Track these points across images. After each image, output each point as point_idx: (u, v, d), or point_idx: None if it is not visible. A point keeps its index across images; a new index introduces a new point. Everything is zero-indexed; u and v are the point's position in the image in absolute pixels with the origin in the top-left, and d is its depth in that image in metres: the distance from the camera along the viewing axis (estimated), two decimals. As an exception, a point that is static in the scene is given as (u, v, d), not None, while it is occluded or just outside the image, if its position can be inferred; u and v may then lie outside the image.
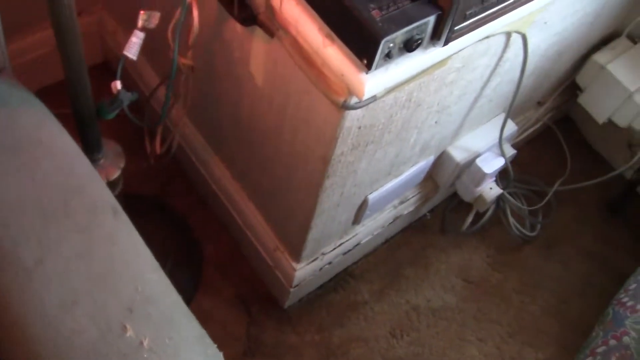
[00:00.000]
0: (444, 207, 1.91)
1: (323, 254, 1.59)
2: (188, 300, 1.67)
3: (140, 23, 1.12)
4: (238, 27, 1.23)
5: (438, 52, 1.05)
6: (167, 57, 1.19)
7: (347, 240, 1.63)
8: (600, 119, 1.83)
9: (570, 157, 2.01)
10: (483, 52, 1.28)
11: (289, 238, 1.54)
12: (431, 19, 0.98)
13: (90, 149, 1.22)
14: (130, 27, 1.12)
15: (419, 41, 0.99)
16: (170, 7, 1.15)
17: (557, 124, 2.06)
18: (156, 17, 1.11)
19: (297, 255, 1.53)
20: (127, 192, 1.63)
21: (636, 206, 2.02)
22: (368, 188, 1.46)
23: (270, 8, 1.07)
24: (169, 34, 1.15)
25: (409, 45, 0.99)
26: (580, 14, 1.50)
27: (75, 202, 0.97)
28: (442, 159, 1.63)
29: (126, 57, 1.12)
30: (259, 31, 1.13)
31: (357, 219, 1.56)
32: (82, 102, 1.11)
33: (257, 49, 1.21)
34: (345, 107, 1.06)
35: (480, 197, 1.68)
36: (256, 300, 1.70)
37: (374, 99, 1.06)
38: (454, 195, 1.87)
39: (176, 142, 1.44)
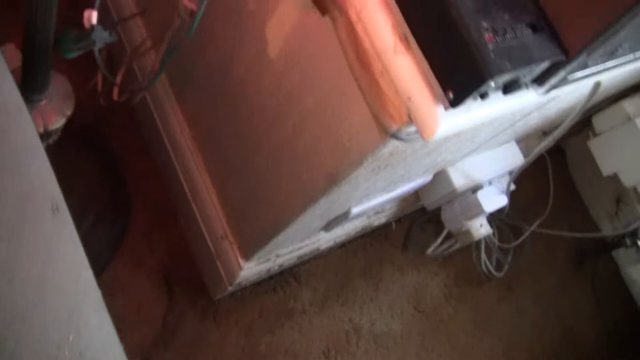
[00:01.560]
0: (411, 220, 1.69)
1: (277, 255, 1.34)
2: (103, 264, 1.38)
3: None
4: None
5: (532, 98, 0.80)
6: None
7: (307, 245, 1.38)
8: (606, 171, 1.63)
9: (553, 194, 1.81)
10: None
11: (244, 232, 1.27)
12: (547, 63, 0.72)
13: (32, 87, 0.90)
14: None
15: (523, 84, 0.74)
16: None
17: (550, 153, 1.86)
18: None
19: (248, 253, 1.27)
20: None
21: (606, 269, 1.87)
22: (356, 201, 1.21)
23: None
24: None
25: (509, 88, 0.73)
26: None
27: None
28: (437, 178, 1.40)
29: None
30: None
31: (328, 227, 1.31)
32: (40, 30, 0.79)
33: (286, 12, 0.92)
34: (395, 137, 0.79)
35: (466, 232, 1.46)
36: (182, 281, 1.43)
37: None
38: (426, 210, 1.64)
39: (139, 96, 1.13)
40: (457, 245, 1.58)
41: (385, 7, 0.74)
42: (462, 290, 1.69)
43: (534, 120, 1.29)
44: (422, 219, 1.66)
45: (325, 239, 1.41)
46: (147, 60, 1.27)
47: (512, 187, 1.51)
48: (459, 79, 0.70)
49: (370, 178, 1.01)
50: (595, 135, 1.64)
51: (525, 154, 1.71)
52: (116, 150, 1.46)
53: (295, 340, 1.48)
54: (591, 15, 0.69)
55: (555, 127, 1.70)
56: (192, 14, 0.95)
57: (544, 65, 0.73)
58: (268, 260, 1.33)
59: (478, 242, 1.64)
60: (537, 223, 1.74)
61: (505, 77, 0.70)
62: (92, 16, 0.82)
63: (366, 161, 0.87)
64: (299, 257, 1.40)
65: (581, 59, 0.73)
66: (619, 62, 0.82)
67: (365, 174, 0.95)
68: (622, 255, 1.86)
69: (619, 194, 1.79)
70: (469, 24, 0.68)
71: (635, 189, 1.62)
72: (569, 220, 1.85)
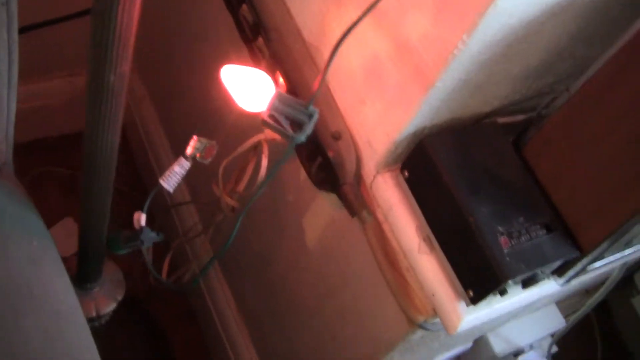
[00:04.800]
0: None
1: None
2: None
3: (189, 150, 0.88)
4: (303, 174, 1.00)
5: (552, 287, 0.83)
6: (207, 187, 0.96)
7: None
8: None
9: (601, 355, 1.79)
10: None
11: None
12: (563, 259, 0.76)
13: (86, 278, 0.98)
14: (161, 100, 0.88)
15: (541, 279, 0.77)
16: (228, 135, 0.91)
17: (595, 312, 1.84)
18: (213, 149, 0.88)
19: None
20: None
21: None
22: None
23: (357, 179, 0.85)
24: (220, 171, 0.92)
25: (528, 284, 0.77)
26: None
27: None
28: (478, 344, 1.40)
29: (161, 188, 0.89)
30: (332, 197, 0.90)
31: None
32: (93, 235, 0.87)
33: (321, 207, 0.99)
34: (423, 327, 0.83)
35: (509, 399, 1.45)
36: None
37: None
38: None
39: (187, 277, 1.19)
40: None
41: (409, 210, 0.80)
42: None
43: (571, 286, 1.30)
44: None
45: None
46: (198, 242, 1.33)
47: (555, 349, 1.50)
48: (477, 280, 0.74)
49: (404, 356, 1.04)
50: (638, 293, 1.63)
51: (567, 312, 1.71)
52: (163, 319, 1.51)
53: None
54: (602, 217, 0.73)
55: (599, 284, 1.71)
56: (234, 209, 1.02)
57: (560, 261, 0.77)
58: None
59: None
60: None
61: (522, 276, 0.74)
62: (142, 219, 0.90)
63: (397, 347, 0.91)
64: None
65: (595, 255, 0.76)
66: (636, 249, 0.85)
67: (399, 357, 0.98)
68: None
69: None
70: (485, 229, 0.72)
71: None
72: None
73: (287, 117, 0.67)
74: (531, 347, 1.41)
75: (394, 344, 0.90)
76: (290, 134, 0.66)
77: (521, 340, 1.40)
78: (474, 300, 0.74)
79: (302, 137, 0.67)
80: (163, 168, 1.49)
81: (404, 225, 0.80)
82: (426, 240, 0.79)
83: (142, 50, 1.31)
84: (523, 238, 0.74)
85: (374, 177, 0.82)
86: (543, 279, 0.78)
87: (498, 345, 1.37)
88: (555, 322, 1.43)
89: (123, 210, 1.36)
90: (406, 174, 0.81)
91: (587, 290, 1.69)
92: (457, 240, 0.75)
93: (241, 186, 0.95)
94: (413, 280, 0.81)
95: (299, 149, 0.90)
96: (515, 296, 0.80)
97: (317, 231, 1.01)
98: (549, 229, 0.76)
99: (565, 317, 1.70)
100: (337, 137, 0.84)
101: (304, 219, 1.03)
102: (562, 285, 0.81)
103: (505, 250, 0.72)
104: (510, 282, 0.73)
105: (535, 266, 0.73)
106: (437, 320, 0.81)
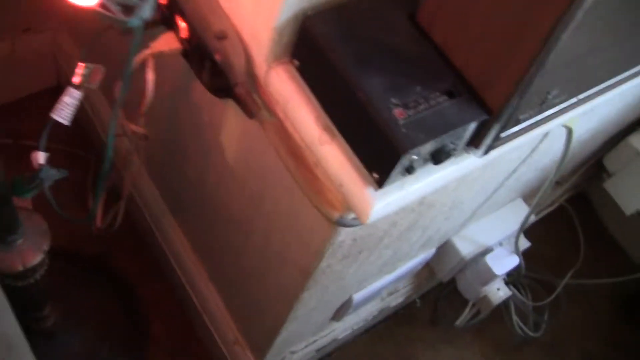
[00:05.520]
0: (436, 294, 1.64)
1: (292, 352, 1.31)
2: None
3: (77, 79, 0.83)
4: (209, 89, 0.94)
5: (473, 162, 0.78)
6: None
7: (322, 337, 1.35)
8: (629, 210, 1.57)
9: (584, 243, 1.75)
10: (516, 147, 1.01)
11: (252, 334, 1.25)
12: (473, 125, 0.71)
13: (5, 230, 0.93)
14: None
15: (453, 151, 0.72)
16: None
17: (572, 203, 1.80)
18: (99, 73, 0.83)
19: (260, 355, 1.25)
20: (65, 249, 1.35)
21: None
22: (354, 288, 1.18)
23: (252, 79, 0.79)
24: (117, 97, 0.86)
25: (438, 157, 0.71)
26: (629, 98, 1.24)
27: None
28: (444, 249, 1.36)
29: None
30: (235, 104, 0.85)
31: (337, 316, 1.28)
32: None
33: (231, 119, 0.93)
34: (341, 224, 0.78)
35: (484, 298, 1.41)
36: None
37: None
38: (450, 281, 1.60)
39: (121, 216, 1.14)
40: (483, 314, 1.52)
41: (306, 101, 0.74)
42: (502, 357, 1.62)
43: (527, 175, 1.26)
44: (446, 291, 1.61)
45: (341, 328, 1.38)
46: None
47: (527, 244, 1.46)
48: (378, 160, 0.69)
49: (350, 265, 0.99)
50: (609, 176, 1.59)
51: (541, 207, 1.66)
52: (128, 273, 1.47)
53: None
54: (503, 71, 0.68)
55: (571, 174, 1.66)
56: (146, 137, 0.97)
57: (471, 127, 0.71)
58: (283, 359, 1.30)
59: (507, 305, 1.58)
60: (569, 275, 1.68)
61: (427, 148, 0.68)
62: (39, 157, 0.85)
63: (328, 251, 0.86)
64: (318, 350, 1.37)
65: (507, 114, 0.71)
66: (556, 110, 0.80)
67: (338, 263, 0.94)
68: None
69: (652, 231, 1.72)
70: (376, 103, 0.67)
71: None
72: (607, 266, 1.77)
73: (119, 4, 0.61)
74: (500, 244, 1.36)
75: (322, 249, 0.85)
76: (122, 19, 0.60)
77: (488, 240, 1.36)
78: (380, 182, 0.69)
79: (136, 21, 0.61)
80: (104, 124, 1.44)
81: (303, 117, 0.75)
82: (327, 129, 0.73)
83: None
84: (421, 107, 0.68)
85: (266, 72, 0.76)
86: (455, 151, 0.73)
87: (464, 247, 1.34)
88: (523, 216, 1.38)
89: (78, 175, 1.32)
90: (296, 62, 0.75)
91: (558, 182, 1.65)
92: (353, 121, 0.70)
93: (143, 107, 0.90)
94: (323, 175, 0.76)
95: (190, 59, 0.85)
96: (430, 175, 0.75)
97: (233, 145, 0.96)
98: (451, 95, 0.70)
99: (539, 212, 1.66)
100: (221, 36, 0.78)
101: (221, 136, 0.98)
102: (481, 156, 0.76)
103: (401, 122, 0.66)
104: (414, 157, 0.68)
105: (437, 134, 0.67)
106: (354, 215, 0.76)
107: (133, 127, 0.92)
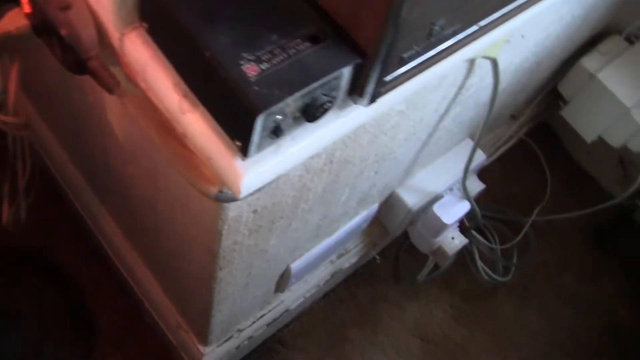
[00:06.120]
0: (396, 248, 1.56)
1: (239, 330, 1.24)
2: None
3: None
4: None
5: (362, 113, 0.68)
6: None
7: (270, 310, 1.28)
8: (589, 137, 1.48)
9: (550, 176, 1.66)
10: (436, 85, 0.92)
11: (190, 318, 1.18)
12: (346, 71, 0.61)
13: None
14: None
15: (328, 104, 0.63)
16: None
17: (534, 136, 1.71)
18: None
19: (202, 338, 1.18)
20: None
21: (629, 236, 1.69)
22: (288, 257, 1.10)
23: (110, 50, 0.70)
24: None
25: (311, 114, 0.62)
26: (568, 19, 1.14)
27: None
28: (390, 202, 1.28)
29: None
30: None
31: (279, 287, 1.20)
32: None
33: (110, 97, 0.84)
34: (222, 199, 0.69)
35: (439, 250, 1.33)
36: (163, 382, 1.34)
37: (269, 183, 0.69)
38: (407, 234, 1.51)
39: (24, 212, 1.06)
40: (443, 266, 1.45)
41: (162, 67, 0.65)
42: (472, 306, 1.55)
43: (466, 114, 1.17)
44: (406, 245, 1.53)
45: (291, 299, 1.30)
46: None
47: (480, 186, 1.38)
48: (236, 124, 0.60)
49: (267, 237, 0.91)
50: (566, 103, 1.49)
51: (498, 144, 1.58)
52: (67, 267, 1.39)
53: (298, 410, 1.37)
54: (371, 3, 0.58)
55: (526, 105, 1.57)
56: (27, 126, 0.88)
57: (346, 74, 0.62)
58: (230, 338, 1.23)
59: (470, 252, 1.50)
60: (536, 211, 1.59)
61: (292, 105, 0.59)
62: None
63: (224, 229, 0.77)
64: (269, 324, 1.29)
65: (383, 54, 0.61)
66: (452, 43, 0.70)
67: (248, 238, 0.85)
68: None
69: (619, 154, 1.63)
70: (224, 61, 0.57)
71: (626, 147, 1.46)
72: (576, 198, 1.69)
73: None
74: (451, 190, 1.28)
75: (217, 227, 0.77)
76: None
77: (436, 187, 1.27)
78: (244, 150, 0.60)
79: None
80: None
81: (161, 85, 0.65)
82: (187, 96, 0.64)
83: None
84: (278, 59, 0.59)
85: (120, 40, 0.67)
86: (333, 104, 0.63)
87: (411, 198, 1.25)
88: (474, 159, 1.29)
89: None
90: (145, 25, 0.65)
91: (513, 115, 1.56)
92: (206, 84, 0.61)
93: (9, 99, 0.80)
94: (194, 148, 0.67)
95: (41, 36, 0.75)
96: (310, 134, 0.65)
97: (118, 123, 0.87)
98: (315, 40, 0.61)
99: (497, 149, 1.57)
100: (64, 6, 0.68)
101: (107, 115, 0.89)
102: (368, 105, 0.66)
103: (253, 79, 0.57)
104: (278, 117, 0.59)
105: (298, 87, 0.58)
106: (238, 186, 0.67)
107: (3, 117, 0.82)
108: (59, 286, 1.38)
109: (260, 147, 0.61)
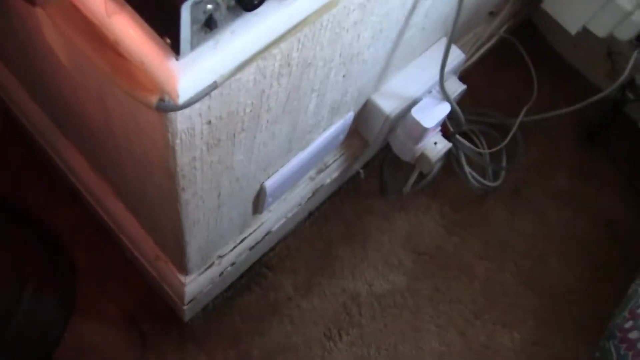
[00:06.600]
0: (380, 160, 1.51)
1: (220, 256, 1.20)
2: (61, 330, 1.27)
3: None
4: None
5: (307, 1, 0.62)
6: None
7: (251, 233, 1.23)
8: (573, 28, 1.40)
9: (536, 73, 1.59)
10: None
11: (168, 248, 1.13)
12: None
13: None
14: None
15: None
16: None
17: (516, 33, 1.63)
18: None
19: (182, 267, 1.13)
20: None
21: (621, 130, 1.63)
22: (261, 175, 1.05)
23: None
24: None
25: (246, 1, 0.56)
26: None
27: None
28: (366, 110, 1.22)
29: None
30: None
31: (257, 208, 1.15)
32: None
33: (40, 15, 0.77)
34: (164, 108, 0.63)
35: (422, 156, 1.27)
36: (149, 316, 1.31)
37: (212, 86, 0.63)
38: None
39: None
40: (431, 175, 1.39)
41: (79, -39, 0.58)
42: (463, 214, 1.50)
43: (439, 8, 1.09)
44: (389, 156, 1.48)
45: (272, 220, 1.25)
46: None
47: (461, 87, 1.31)
48: (162, 18, 0.53)
49: (231, 153, 0.85)
50: (545, -4, 1.41)
51: (478, 44, 1.51)
52: (38, 209, 1.34)
53: (289, 332, 1.34)
54: None
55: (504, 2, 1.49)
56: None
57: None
58: (212, 265, 1.18)
59: (457, 158, 1.44)
60: (523, 111, 1.53)
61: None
62: None
63: (177, 144, 0.72)
64: (252, 248, 1.25)
65: None
66: None
67: (208, 154, 0.80)
68: (635, 110, 1.63)
69: (607, 44, 1.56)
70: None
71: (612, 37, 1.38)
72: (564, 96, 1.63)
73: None
74: (430, 92, 1.22)
75: (167, 143, 0.71)
76: None
77: (413, 90, 1.21)
78: (175, 47, 0.54)
79: None
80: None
81: (82, -16, 0.59)
82: (110, -5, 0.57)
83: None
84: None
85: None
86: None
87: (387, 104, 1.20)
88: (451, 58, 1.23)
89: None
90: None
91: (492, 12, 1.48)
92: (124, -25, 0.54)
93: None
94: (127, 54, 0.61)
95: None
96: (251, 28, 0.59)
97: (58, 43, 0.80)
98: None
99: (478, 49, 1.51)
100: None
101: (47, 38, 0.82)
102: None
103: (172, -38, 0.50)
104: (209, 6, 0.53)
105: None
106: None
107: None
108: (32, 230, 1.34)
109: (194, 44, 0.55)
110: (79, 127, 1.08)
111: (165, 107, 0.62)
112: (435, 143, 1.27)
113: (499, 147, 1.49)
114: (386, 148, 1.44)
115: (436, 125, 1.21)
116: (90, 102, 0.88)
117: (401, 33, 1.04)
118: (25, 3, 0.66)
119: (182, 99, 0.58)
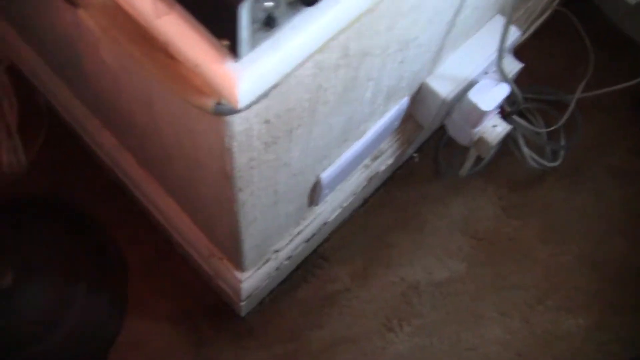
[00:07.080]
0: (435, 143, 1.46)
1: (276, 251, 1.17)
2: (115, 331, 1.27)
3: None
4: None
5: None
6: None
7: (307, 226, 1.20)
8: (631, -2, 1.34)
9: (593, 48, 1.53)
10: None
11: (223, 245, 1.11)
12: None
13: None
14: None
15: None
16: None
17: (570, 5, 1.56)
18: None
19: (239, 264, 1.11)
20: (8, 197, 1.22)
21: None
22: (317, 168, 1.01)
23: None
24: None
25: (307, -4, 0.52)
26: None
27: None
28: (421, 95, 1.17)
29: None
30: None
31: (313, 201, 1.12)
32: None
33: (85, 15, 0.74)
34: (221, 112, 0.60)
35: (480, 140, 1.23)
36: (204, 312, 1.29)
37: (273, 87, 0.60)
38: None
39: (21, 153, 0.98)
40: (487, 157, 1.34)
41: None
42: (521, 196, 1.45)
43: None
44: (445, 139, 1.43)
45: (328, 210, 1.22)
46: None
47: (518, 66, 1.26)
48: (220, 19, 0.50)
49: (288, 149, 0.82)
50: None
51: (531, 18, 1.45)
52: (83, 206, 1.33)
53: (349, 324, 1.31)
54: None
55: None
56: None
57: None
58: (268, 260, 1.16)
59: (514, 139, 1.39)
60: (581, 87, 1.47)
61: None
62: None
63: (235, 146, 0.68)
64: (307, 241, 1.22)
65: None
66: None
67: (265, 153, 0.76)
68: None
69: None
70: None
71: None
72: (622, 70, 1.55)
73: None
74: (486, 73, 1.17)
75: (226, 146, 0.68)
76: None
77: (469, 72, 1.16)
78: (233, 49, 0.51)
79: None
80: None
81: (131, -15, 0.55)
82: (160, -5, 0.54)
83: None
84: None
85: None
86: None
87: (442, 87, 1.15)
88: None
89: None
90: None
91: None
92: (178, -25, 0.51)
93: None
94: (179, 57, 0.58)
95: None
96: (312, 22, 0.55)
97: (101, 45, 0.77)
98: None
99: (531, 24, 1.45)
100: None
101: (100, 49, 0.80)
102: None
103: (229, -40, 0.47)
104: (267, 4, 0.49)
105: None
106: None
107: None
108: (81, 227, 1.32)
109: (253, 44, 0.52)
110: (124, 125, 1.05)
111: (223, 111, 0.59)
112: (494, 126, 1.22)
113: (557, 125, 1.43)
114: (440, 130, 1.39)
115: (495, 108, 1.16)
116: (137, 102, 0.86)
117: (456, 13, 0.99)
118: (67, 4, 0.63)
119: (242, 104, 0.54)
